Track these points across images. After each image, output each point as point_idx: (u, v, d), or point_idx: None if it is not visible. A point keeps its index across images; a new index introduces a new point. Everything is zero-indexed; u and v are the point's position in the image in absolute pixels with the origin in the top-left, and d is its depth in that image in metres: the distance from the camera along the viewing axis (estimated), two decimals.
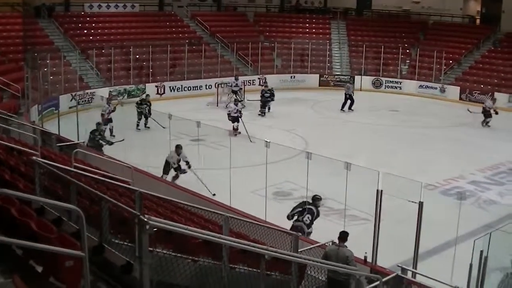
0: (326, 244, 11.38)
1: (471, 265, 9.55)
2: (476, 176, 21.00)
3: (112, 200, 7.19)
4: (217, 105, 32.26)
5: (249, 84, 36.08)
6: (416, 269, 11.33)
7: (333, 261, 10.04)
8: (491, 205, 17.75)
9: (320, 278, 10.52)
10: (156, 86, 34.22)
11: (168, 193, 13.78)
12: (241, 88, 32.93)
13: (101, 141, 20.42)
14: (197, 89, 35.65)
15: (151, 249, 5.94)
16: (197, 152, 21.18)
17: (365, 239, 11.92)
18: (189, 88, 35.47)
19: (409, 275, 10.65)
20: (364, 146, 24.24)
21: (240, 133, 24.56)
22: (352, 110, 31.79)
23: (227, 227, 9.13)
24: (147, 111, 26.01)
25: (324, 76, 40.01)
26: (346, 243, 10.50)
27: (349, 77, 35.21)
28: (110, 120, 24.20)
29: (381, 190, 11.91)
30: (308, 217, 14.31)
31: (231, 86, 32.88)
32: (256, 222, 11.79)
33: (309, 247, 11.14)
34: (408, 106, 33.99)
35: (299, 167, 15.78)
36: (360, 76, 39.47)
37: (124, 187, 10.24)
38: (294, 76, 39.26)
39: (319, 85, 39.36)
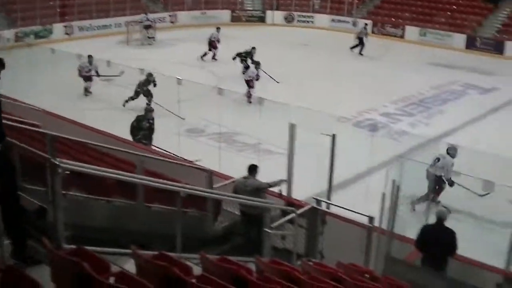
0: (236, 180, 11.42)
1: (383, 194, 9.80)
2: (388, 108, 21.48)
3: (23, 144, 7.02)
4: (127, 44, 31.79)
5: (159, 21, 35.44)
6: (330, 200, 11.55)
7: (241, 193, 10.14)
8: (402, 135, 18.20)
9: (236, 212, 10.65)
10: (64, 26, 33.12)
11: (80, 134, 13.50)
12: (151, 24, 32.51)
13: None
14: (106, 28, 34.59)
15: (64, 192, 5.87)
16: (108, 92, 20.81)
17: (280, 173, 12.04)
18: (98, 27, 34.42)
19: (323, 206, 10.88)
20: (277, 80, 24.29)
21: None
22: (362, 55, 31.35)
23: (141, 166, 9.08)
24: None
25: (236, 11, 39.70)
26: (267, 181, 10.58)
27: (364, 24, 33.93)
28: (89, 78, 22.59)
29: (294, 124, 12.00)
30: None
31: (142, 22, 32.53)
32: (170, 160, 11.76)
33: (223, 183, 11.19)
34: (320, 40, 34.21)
35: (212, 103, 15.77)
36: (272, 11, 39.35)
37: (35, 131, 9.97)
38: (205, 12, 38.68)
39: (231, 21, 39.04)
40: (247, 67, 23.66)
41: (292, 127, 11.84)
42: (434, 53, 32.04)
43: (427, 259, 9.16)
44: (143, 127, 15.25)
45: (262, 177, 10.63)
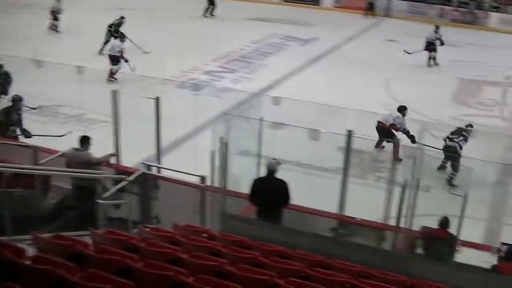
0: (67, 151, 11.02)
1: (212, 152, 9.81)
2: (210, 66, 21.55)
3: None
4: None
5: None
6: (160, 164, 11.46)
7: (73, 165, 9.83)
8: (226, 92, 18.32)
9: (66, 187, 10.27)
10: None
11: None
12: None
13: None
14: None
15: None
16: None
17: (108, 141, 11.75)
18: None
19: (154, 171, 10.77)
20: (95, 48, 23.53)
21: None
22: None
23: None
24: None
25: None
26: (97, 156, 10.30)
27: None
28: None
29: (116, 90, 11.73)
30: None
31: None
32: None
33: (49, 158, 10.73)
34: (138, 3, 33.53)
35: (31, 77, 15.04)
36: None
37: None
38: None
39: None
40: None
41: (114, 94, 11.57)
42: (251, 8, 32.44)
43: (262, 211, 9.30)
44: (13, 121, 13.30)
45: (93, 146, 10.32)
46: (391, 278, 6.83)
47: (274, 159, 9.72)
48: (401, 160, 11.65)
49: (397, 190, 9.17)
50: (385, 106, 17.60)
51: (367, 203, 10.96)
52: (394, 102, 18.03)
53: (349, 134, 9.55)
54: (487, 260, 9.02)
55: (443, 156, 13.26)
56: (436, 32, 23.62)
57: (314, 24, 29.22)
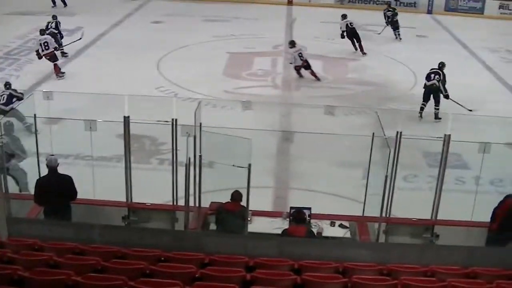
0: None
1: None
2: None
3: None
4: None
5: None
6: None
7: None
8: None
9: None
10: None
11: None
12: None
13: None
14: None
15: None
16: None
17: None
18: None
19: None
20: None
21: None
22: None
23: None
24: None
25: None
26: None
27: None
28: None
29: None
30: None
31: None
32: None
33: None
34: None
35: None
36: None
37: None
38: None
39: None
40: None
41: None
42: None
43: (49, 210, 9.09)
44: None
45: None
46: (188, 258, 7.02)
47: (52, 155, 9.50)
48: None
49: (182, 170, 9.34)
50: (159, 88, 17.80)
51: (154, 186, 11.09)
52: (168, 83, 18.31)
53: (126, 120, 9.54)
54: (279, 226, 9.54)
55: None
56: None
57: (77, 13, 28.42)
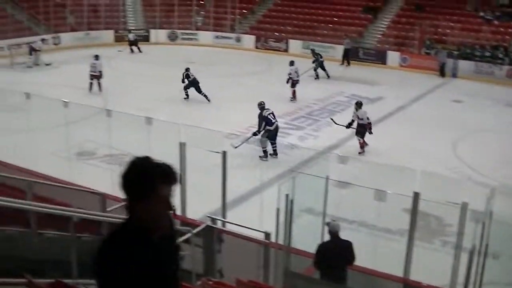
0: None
1: (278, 209, 9.83)
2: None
3: None
4: (12, 67, 30.62)
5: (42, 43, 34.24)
6: (225, 218, 11.51)
7: None
8: (292, 149, 18.36)
9: None
10: None
11: None
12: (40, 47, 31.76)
13: None
14: None
15: None
16: None
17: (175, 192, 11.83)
18: None
19: (219, 224, 10.82)
20: (163, 98, 24.13)
21: None
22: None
23: (31, 193, 8.77)
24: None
25: (119, 31, 39.20)
26: None
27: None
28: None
29: (184, 143, 11.92)
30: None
31: (32, 44, 31.78)
32: (61, 185, 11.41)
33: (116, 206, 10.92)
34: (204, 57, 34.25)
35: (100, 125, 15.43)
36: (155, 30, 39.17)
37: None
38: (89, 33, 37.95)
39: (115, 41, 38.48)
40: None
41: (182, 146, 11.76)
42: None
43: (326, 272, 9.23)
44: None
45: None
46: None
47: (334, 220, 9.68)
48: None
49: (464, 256, 8.98)
50: (452, 169, 17.34)
51: (433, 267, 10.77)
52: (462, 165, 17.80)
53: (416, 197, 9.45)
54: None
55: None
56: None
57: (380, 83, 29.21)
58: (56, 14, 37.96)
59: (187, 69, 24.39)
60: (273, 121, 17.99)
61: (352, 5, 37.79)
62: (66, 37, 36.10)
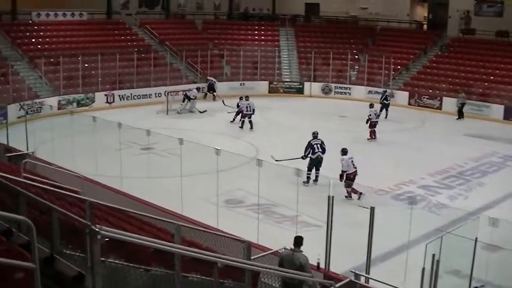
0: (279, 250, 11.33)
1: (423, 269, 9.66)
2: (426, 180, 21.26)
3: (62, 210, 7.11)
4: (167, 113, 32.21)
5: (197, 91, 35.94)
6: (369, 274, 11.41)
7: (287, 266, 10.00)
8: (441, 208, 17.88)
9: (274, 285, 10.53)
10: (105, 95, 33.98)
11: (118, 201, 13.64)
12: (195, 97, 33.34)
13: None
14: (147, 97, 35.46)
15: (103, 259, 5.90)
16: (147, 160, 21.11)
17: (318, 245, 11.95)
18: (139, 97, 35.25)
19: (362, 280, 10.75)
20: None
21: None
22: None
23: (178, 236, 9.09)
24: None
25: (274, 83, 40.20)
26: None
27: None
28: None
29: (332, 196, 12.00)
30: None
31: (188, 91, 33.56)
32: (208, 230, 11.77)
33: (261, 254, 11.16)
34: (357, 112, 34.25)
35: (250, 174, 15.86)
36: (309, 83, 39.79)
37: (74, 197, 10.12)
38: (244, 84, 39.10)
39: (269, 92, 39.52)
40: None
41: (330, 199, 11.85)
42: (472, 124, 31.75)
43: None
44: None
45: (302, 248, 10.51)
46: None
47: (482, 285, 9.39)
48: None
49: None
50: None
51: None
52: None
53: None
54: None
55: None
56: None
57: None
58: (213, 64, 39.76)
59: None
60: (316, 151, 20.17)
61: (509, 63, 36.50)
62: (222, 87, 37.42)
